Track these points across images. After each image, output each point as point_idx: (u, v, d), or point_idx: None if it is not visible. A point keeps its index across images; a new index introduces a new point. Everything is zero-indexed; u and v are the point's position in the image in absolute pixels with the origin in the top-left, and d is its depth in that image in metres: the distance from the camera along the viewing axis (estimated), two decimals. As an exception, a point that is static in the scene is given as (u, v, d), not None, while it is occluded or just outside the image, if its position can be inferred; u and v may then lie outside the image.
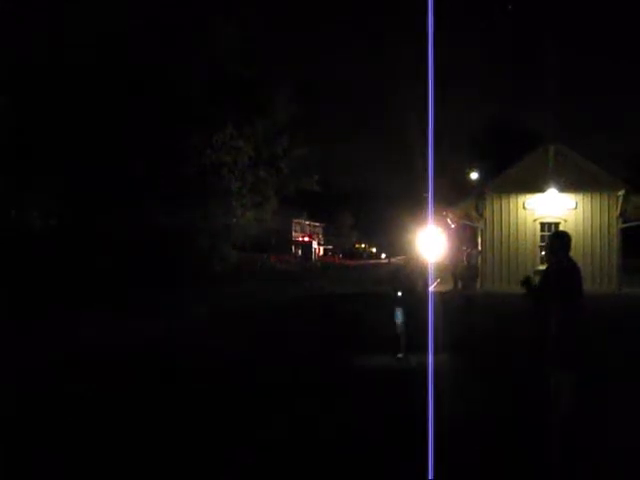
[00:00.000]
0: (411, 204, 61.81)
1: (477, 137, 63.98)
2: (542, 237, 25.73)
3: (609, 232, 26.35)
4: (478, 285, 24.49)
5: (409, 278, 11.33)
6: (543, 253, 6.41)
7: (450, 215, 30.59)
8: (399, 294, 11.00)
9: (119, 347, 12.63)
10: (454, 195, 39.31)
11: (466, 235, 32.79)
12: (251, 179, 32.88)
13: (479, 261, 26.65)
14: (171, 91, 26.60)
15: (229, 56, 30.30)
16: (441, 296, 18.74)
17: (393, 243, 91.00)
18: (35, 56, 23.04)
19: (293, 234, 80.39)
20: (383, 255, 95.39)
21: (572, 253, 6.02)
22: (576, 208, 26.48)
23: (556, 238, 6.14)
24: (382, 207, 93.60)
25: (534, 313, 6.13)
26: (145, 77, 25.84)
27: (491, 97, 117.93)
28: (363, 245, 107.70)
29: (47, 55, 23.23)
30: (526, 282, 6.13)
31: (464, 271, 18.16)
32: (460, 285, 18.00)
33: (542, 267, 6.09)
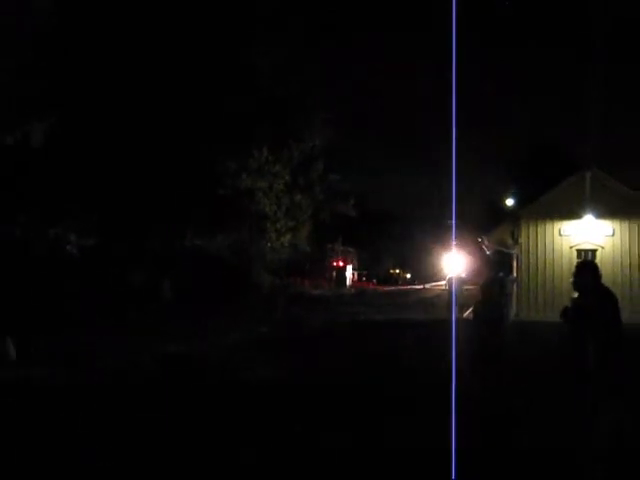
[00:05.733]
0: (442, 231, 61.68)
1: (513, 163, 63.60)
2: (579, 264, 25.23)
3: (647, 259, 25.78)
4: (513, 314, 24.08)
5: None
6: (571, 281, 6.38)
7: (485, 241, 30.33)
8: None
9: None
10: (489, 221, 39.01)
11: (501, 261, 32.39)
12: (286, 203, 33.04)
13: (514, 289, 26.28)
14: (207, 113, 26.95)
15: (265, 78, 30.55)
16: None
17: (425, 269, 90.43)
18: (75, 82, 23.57)
19: (327, 259, 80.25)
20: (416, 281, 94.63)
21: (610, 282, 5.91)
22: (613, 235, 26.00)
23: (583, 268, 6.03)
24: (416, 233, 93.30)
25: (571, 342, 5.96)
26: (182, 97, 26.24)
27: (528, 123, 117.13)
28: (397, 271, 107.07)
29: (88, 81, 23.77)
30: (565, 314, 6.03)
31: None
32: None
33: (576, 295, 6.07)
